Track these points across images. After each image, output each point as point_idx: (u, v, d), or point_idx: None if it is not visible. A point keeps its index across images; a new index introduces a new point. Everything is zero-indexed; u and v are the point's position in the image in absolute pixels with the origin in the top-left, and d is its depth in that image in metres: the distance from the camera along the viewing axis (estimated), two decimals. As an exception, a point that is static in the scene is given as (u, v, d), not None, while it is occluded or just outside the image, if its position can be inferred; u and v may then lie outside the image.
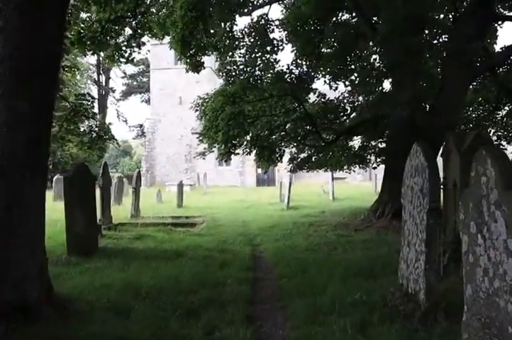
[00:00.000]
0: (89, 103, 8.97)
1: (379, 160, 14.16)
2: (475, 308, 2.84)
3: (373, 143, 14.41)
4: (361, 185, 34.64)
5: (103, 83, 59.31)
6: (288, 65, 11.41)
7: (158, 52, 44.00)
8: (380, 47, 11.93)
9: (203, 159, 13.59)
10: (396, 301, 4.29)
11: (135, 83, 61.32)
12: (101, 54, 9.60)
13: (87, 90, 49.51)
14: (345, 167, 16.02)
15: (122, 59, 9.71)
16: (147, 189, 37.11)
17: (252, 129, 11.34)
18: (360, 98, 13.26)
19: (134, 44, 9.92)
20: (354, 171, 17.00)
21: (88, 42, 8.97)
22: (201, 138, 11.81)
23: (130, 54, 9.70)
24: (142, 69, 59.49)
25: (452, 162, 5.97)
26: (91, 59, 58.54)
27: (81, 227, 7.37)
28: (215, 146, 11.48)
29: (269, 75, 11.03)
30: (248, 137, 11.42)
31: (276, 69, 11.17)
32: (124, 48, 9.58)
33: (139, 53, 10.11)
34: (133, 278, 5.43)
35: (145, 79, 56.51)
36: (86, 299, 4.47)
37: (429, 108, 11.84)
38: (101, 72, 58.73)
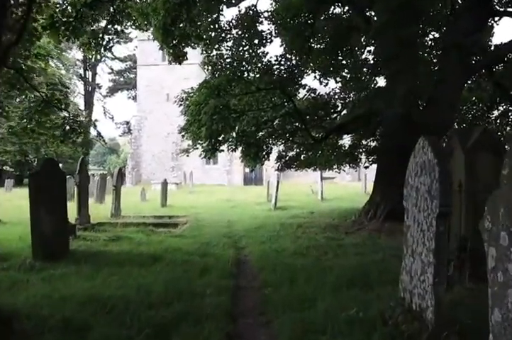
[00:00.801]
0: (62, 93, 8.26)
1: (370, 159, 13.63)
2: (506, 339, 2.28)
3: (364, 141, 13.87)
4: (350, 185, 34.22)
5: (90, 79, 58.31)
6: (276, 56, 10.79)
7: (145, 48, 43.34)
8: (374, 40, 11.47)
9: (187, 156, 12.98)
10: (398, 318, 3.73)
11: (121, 79, 60.39)
12: (77, 41, 8.86)
13: (73, 85, 48.59)
14: (335, 166, 15.50)
15: (99, 48, 9.01)
16: (132, 187, 36.41)
17: (237, 124, 10.71)
18: (352, 95, 12.72)
19: (112, 32, 9.23)
20: (344, 171, 16.50)
21: (63, 28, 8.28)
22: (183, 134, 11.15)
23: (109, 42, 9.02)
24: (129, 65, 58.63)
25: (456, 161, 5.43)
26: (78, 54, 57.42)
27: (48, 227, 6.72)
28: (199, 143, 10.83)
29: (257, 67, 10.39)
30: (234, 133, 10.78)
31: (264, 61, 10.54)
32: (101, 36, 8.88)
33: (118, 42, 9.41)
34: (99, 288, 4.81)
35: (132, 75, 55.65)
36: (38, 315, 3.83)
37: (424, 104, 11.36)
38: (88, 68, 57.75)
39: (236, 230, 11.33)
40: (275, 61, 10.59)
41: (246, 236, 10.10)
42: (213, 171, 42.66)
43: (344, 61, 13.46)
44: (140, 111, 45.00)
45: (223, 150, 11.05)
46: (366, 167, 12.78)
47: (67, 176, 16.89)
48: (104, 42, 8.96)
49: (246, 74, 10.20)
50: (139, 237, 8.99)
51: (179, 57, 9.81)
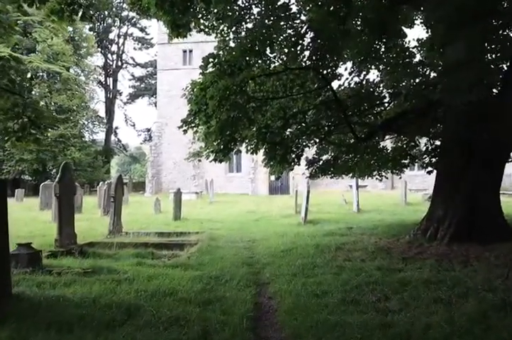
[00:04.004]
0: (18, 73, 5.85)
1: (426, 162, 10.97)
2: None
3: (418, 141, 11.16)
4: (384, 194, 31.30)
5: (111, 86, 56.93)
6: (308, 22, 8.23)
7: (166, 52, 42.03)
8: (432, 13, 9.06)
9: (199, 161, 10.62)
10: None
11: (142, 85, 58.89)
12: (44, 8, 6.63)
13: (91, 92, 47.16)
14: (375, 173, 12.92)
15: (74, 16, 6.77)
16: (151, 197, 34.37)
17: (258, 117, 8.25)
18: (403, 84, 10.17)
19: (89, -5, 6.95)
20: (387, 178, 13.93)
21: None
22: (184, 128, 8.70)
23: (87, 8, 6.77)
24: (150, 72, 57.14)
25: None
26: (98, 60, 56.33)
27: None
28: (208, 141, 8.31)
29: (282, 39, 7.82)
30: (254, 129, 8.25)
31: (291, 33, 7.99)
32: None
33: (89, 11, 7.12)
34: None
35: (153, 81, 53.89)
36: None
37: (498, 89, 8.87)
38: (108, 74, 56.43)
39: (259, 254, 8.93)
40: (307, 28, 8.02)
41: (271, 264, 7.69)
42: (236, 180, 40.21)
43: (389, 44, 10.93)
44: (161, 117, 43.00)
45: (239, 151, 8.63)
46: (429, 172, 10.15)
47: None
48: (80, 11, 6.69)
49: (269, 48, 7.62)
50: (124, 268, 6.60)
51: (178, 28, 7.47)
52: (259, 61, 7.56)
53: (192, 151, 9.78)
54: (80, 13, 6.73)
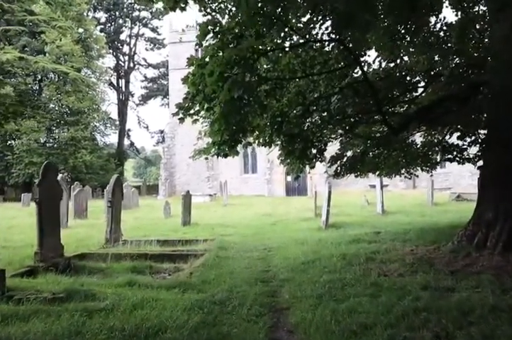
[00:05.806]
0: None
1: (464, 156, 9.46)
2: None
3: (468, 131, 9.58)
4: (407, 194, 29.59)
5: (123, 88, 56.05)
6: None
7: (177, 51, 41.20)
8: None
9: (206, 159, 9.28)
10: None
11: (154, 86, 57.89)
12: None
13: (102, 93, 46.16)
14: (402, 170, 11.49)
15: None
16: (163, 200, 33.26)
17: (272, 103, 6.84)
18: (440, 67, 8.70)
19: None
20: (417, 176, 12.56)
21: None
22: (181, 116, 7.35)
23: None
24: (162, 72, 56.14)
25: None
26: (110, 62, 55.53)
27: None
28: (210, 131, 6.87)
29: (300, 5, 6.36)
30: (266, 116, 6.81)
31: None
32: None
33: None
34: None
35: (165, 82, 52.82)
36: None
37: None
38: (120, 76, 55.57)
39: (275, 266, 7.59)
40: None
41: (290, 281, 6.35)
42: (251, 181, 38.80)
43: (419, 23, 9.46)
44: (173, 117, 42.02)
45: (249, 144, 7.20)
46: (480, 167, 8.61)
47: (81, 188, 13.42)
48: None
49: (281, 10, 6.07)
50: (107, 291, 5.30)
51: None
52: (271, 31, 6.14)
53: (197, 148, 8.47)
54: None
